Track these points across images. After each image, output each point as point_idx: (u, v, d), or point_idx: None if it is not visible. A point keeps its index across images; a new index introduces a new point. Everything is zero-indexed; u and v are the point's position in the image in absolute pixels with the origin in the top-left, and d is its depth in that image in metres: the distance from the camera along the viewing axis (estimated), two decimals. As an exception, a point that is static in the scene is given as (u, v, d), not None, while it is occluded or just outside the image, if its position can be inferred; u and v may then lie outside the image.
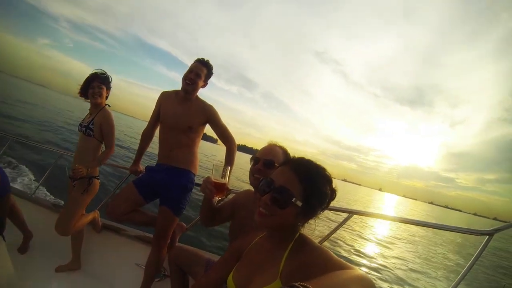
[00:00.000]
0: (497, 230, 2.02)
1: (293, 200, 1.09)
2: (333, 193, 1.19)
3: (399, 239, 14.38)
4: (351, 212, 2.40)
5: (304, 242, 1.17)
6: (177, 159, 2.78)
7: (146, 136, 3.10)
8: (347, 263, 1.01)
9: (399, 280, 7.09)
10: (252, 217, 1.22)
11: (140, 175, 3.02)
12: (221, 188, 1.76)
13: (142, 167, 3.10)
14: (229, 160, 2.74)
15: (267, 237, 1.31)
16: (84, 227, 3.11)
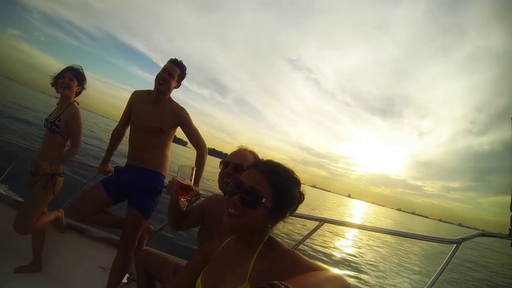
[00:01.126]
0: (464, 239, 2.07)
1: (263, 201, 1.09)
2: (301, 196, 1.20)
3: (369, 247, 14.59)
4: (322, 220, 2.40)
5: (274, 244, 1.17)
6: (147, 161, 2.71)
7: (116, 136, 3.01)
8: (320, 264, 1.02)
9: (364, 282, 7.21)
10: (221, 221, 1.23)
11: (108, 175, 2.93)
12: (187, 189, 1.76)
13: (111, 167, 3.02)
14: (200, 165, 2.69)
15: (236, 240, 1.29)
16: (45, 227, 2.97)
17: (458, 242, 2.06)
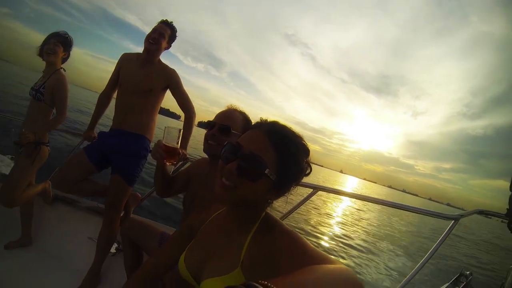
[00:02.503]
0: (462, 216, 2.05)
1: (266, 171, 0.88)
2: (308, 167, 1.01)
3: (362, 219, 14.66)
4: (315, 188, 2.34)
5: (272, 224, 0.99)
6: (132, 124, 2.61)
7: (103, 100, 2.90)
8: (327, 254, 0.82)
9: (364, 261, 7.26)
10: (206, 187, 1.19)
11: (94, 141, 2.82)
12: (173, 152, 1.66)
13: (96, 133, 2.90)
14: (188, 128, 2.61)
15: (227, 214, 1.12)
16: (33, 199, 2.90)
17: (456, 218, 2.04)
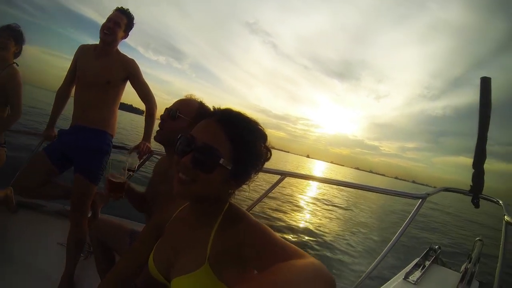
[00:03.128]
0: (429, 194, 2.12)
1: (220, 162, 0.86)
2: (268, 152, 0.99)
3: (330, 202, 14.89)
4: (283, 174, 2.33)
5: (236, 215, 0.96)
6: (92, 119, 2.51)
7: (61, 95, 2.75)
8: (295, 247, 0.81)
9: (333, 243, 7.28)
10: (166, 182, 1.15)
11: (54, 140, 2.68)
12: (118, 187, 1.61)
13: (56, 131, 2.75)
14: (150, 120, 2.58)
15: (190, 209, 1.09)
16: None
17: (423, 197, 2.10)
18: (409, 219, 2.05)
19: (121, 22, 2.54)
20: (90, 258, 2.58)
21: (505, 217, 1.72)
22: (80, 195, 2.42)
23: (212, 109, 1.01)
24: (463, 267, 2.24)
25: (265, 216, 8.08)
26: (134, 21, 2.66)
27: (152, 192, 1.84)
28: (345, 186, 2.44)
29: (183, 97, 1.77)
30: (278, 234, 0.87)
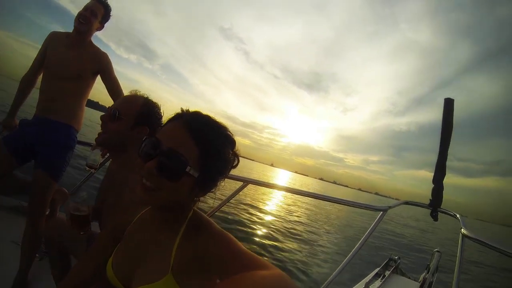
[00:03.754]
0: (390, 207, 2.21)
1: (187, 170, 0.82)
2: (235, 158, 0.97)
3: (292, 211, 14.89)
4: (245, 181, 2.34)
5: (201, 223, 0.94)
6: (58, 112, 2.39)
7: (26, 83, 2.58)
8: (260, 258, 0.82)
9: (289, 255, 7.31)
10: (111, 188, 1.13)
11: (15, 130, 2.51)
12: (83, 221, 1.47)
13: (18, 121, 2.58)
14: None
15: (152, 215, 1.04)
16: None
17: (384, 210, 2.18)
18: (370, 231, 2.11)
19: (98, 12, 2.45)
20: (45, 259, 2.45)
21: (462, 230, 1.80)
22: (39, 191, 2.28)
23: (180, 111, 0.96)
24: (421, 277, 2.34)
25: (225, 222, 8.05)
26: (111, 13, 2.59)
27: (101, 199, 1.72)
28: (308, 196, 2.48)
29: (128, 93, 1.67)
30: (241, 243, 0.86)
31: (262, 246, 7.44)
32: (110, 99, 2.53)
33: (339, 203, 2.32)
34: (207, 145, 0.86)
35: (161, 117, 1.64)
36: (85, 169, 1.87)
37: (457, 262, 1.68)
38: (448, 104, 2.44)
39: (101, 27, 2.58)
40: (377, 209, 2.21)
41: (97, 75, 2.54)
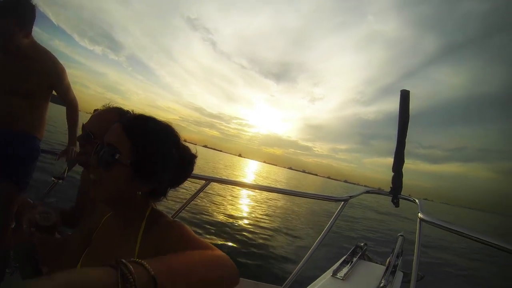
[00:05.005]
0: (351, 197, 2.30)
1: (116, 157, 0.91)
2: (184, 154, 1.03)
3: (257, 206, 14.83)
4: (208, 179, 2.32)
5: (158, 218, 1.00)
6: (18, 122, 2.33)
7: None
8: (205, 241, 0.90)
9: (258, 247, 7.30)
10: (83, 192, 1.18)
11: None
12: (49, 230, 1.46)
13: None
14: (73, 125, 2.47)
15: (115, 216, 1.11)
16: None
17: (345, 200, 2.27)
18: (332, 220, 2.20)
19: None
20: (16, 273, 2.48)
21: (419, 214, 1.92)
22: (4, 204, 2.23)
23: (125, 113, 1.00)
24: (387, 261, 2.49)
25: (192, 221, 8.03)
26: (32, 11, 2.28)
27: (80, 203, 1.76)
28: (270, 191, 2.53)
29: (100, 109, 1.59)
30: (203, 237, 0.89)
31: (231, 240, 7.48)
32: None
33: (301, 196, 2.38)
34: (140, 139, 0.94)
35: None
36: (52, 181, 1.84)
37: (416, 244, 1.79)
38: (404, 96, 2.51)
39: (26, 34, 2.28)
40: (338, 200, 2.29)
41: (51, 89, 2.45)
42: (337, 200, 2.29)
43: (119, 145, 0.93)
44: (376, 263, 2.60)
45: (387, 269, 2.32)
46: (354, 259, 2.46)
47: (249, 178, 41.21)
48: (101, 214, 1.18)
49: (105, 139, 0.96)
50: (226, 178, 2.54)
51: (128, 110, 1.44)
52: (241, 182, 2.59)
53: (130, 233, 1.00)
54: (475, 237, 1.43)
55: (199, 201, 9.29)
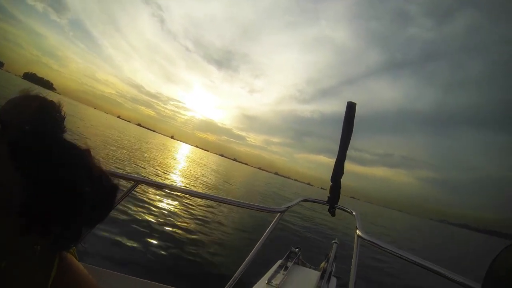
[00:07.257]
0: (289, 207, 2.25)
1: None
2: (99, 187, 0.75)
3: (190, 209, 14.42)
4: (136, 181, 2.15)
5: (68, 269, 0.84)
6: None
7: None
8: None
9: (192, 255, 7.06)
10: None
11: None
12: None
13: None
14: None
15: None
16: None
17: (283, 211, 2.21)
18: (269, 230, 2.11)
19: None
20: None
21: (357, 231, 1.88)
22: None
23: (8, 117, 0.74)
24: (321, 266, 2.57)
25: (119, 226, 7.54)
26: None
27: None
28: (204, 199, 2.45)
29: (17, 95, 1.02)
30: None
31: (162, 248, 7.16)
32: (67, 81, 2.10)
33: (238, 206, 2.26)
34: (33, 168, 0.64)
35: (61, 122, 1.00)
36: None
37: (353, 260, 1.76)
38: (350, 108, 2.57)
39: None
40: (275, 211, 2.22)
41: None
42: (274, 211, 2.23)
43: (5, 183, 0.62)
44: (311, 268, 2.67)
45: (322, 274, 2.37)
46: (289, 264, 2.51)
47: (179, 162, 40.12)
48: None
49: None
50: (155, 180, 2.44)
51: (52, 101, 0.97)
52: (171, 185, 2.37)
53: (40, 284, 0.77)
54: (409, 258, 1.49)
55: (126, 203, 8.84)
